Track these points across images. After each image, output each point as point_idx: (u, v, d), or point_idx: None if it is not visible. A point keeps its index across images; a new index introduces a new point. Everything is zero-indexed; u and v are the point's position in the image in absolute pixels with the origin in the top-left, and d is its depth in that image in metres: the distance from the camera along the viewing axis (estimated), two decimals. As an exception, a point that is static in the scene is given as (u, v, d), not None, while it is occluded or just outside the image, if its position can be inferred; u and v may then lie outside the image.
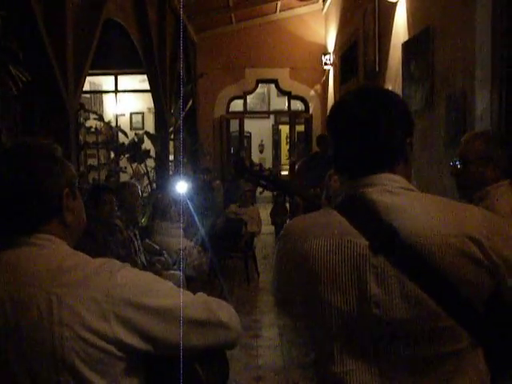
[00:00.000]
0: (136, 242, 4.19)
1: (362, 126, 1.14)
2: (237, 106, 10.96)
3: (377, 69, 5.86)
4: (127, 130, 7.58)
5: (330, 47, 9.24)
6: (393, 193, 1.12)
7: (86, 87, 7.49)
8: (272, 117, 14.44)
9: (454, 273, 1.05)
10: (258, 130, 14.49)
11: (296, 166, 8.88)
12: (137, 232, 4.32)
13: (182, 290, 1.15)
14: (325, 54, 9.18)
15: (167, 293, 1.12)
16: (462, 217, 1.09)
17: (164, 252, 4.91)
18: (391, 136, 1.14)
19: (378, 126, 1.13)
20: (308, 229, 1.16)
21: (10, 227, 1.13)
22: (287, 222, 7.72)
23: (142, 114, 9.99)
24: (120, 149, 6.46)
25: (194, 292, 1.21)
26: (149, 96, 7.11)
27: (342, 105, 1.23)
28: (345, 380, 1.10)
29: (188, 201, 6.07)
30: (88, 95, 8.99)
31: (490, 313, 1.10)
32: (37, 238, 1.11)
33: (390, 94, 1.25)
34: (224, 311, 1.18)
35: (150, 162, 6.70)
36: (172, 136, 7.28)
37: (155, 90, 6.51)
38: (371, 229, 1.09)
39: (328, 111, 1.27)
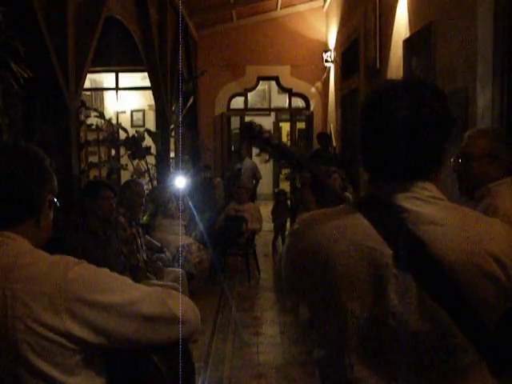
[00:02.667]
0: (139, 240, 4.20)
1: (401, 124, 1.05)
2: (237, 103, 10.95)
3: (378, 66, 5.85)
4: (128, 127, 7.57)
5: (331, 44, 9.22)
6: (423, 201, 1.08)
7: (87, 84, 7.48)
8: (273, 114, 14.39)
9: (474, 292, 1.03)
10: (259, 127, 14.46)
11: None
12: (140, 229, 4.33)
13: (137, 285, 1.19)
14: (326, 51, 9.15)
15: (120, 288, 1.14)
16: (487, 233, 1.06)
17: (165, 249, 4.91)
18: (432, 139, 1.06)
19: (419, 126, 1.05)
20: (328, 230, 1.11)
21: None
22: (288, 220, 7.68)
23: (143, 111, 9.97)
24: (119, 143, 6.49)
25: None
26: (150, 93, 7.09)
27: (380, 97, 1.11)
28: (353, 383, 1.09)
29: (188, 198, 6.08)
30: (89, 92, 8.97)
31: (500, 330, 1.08)
32: (1, 235, 1.15)
33: (435, 89, 1.13)
34: (179, 305, 1.19)
35: (151, 159, 6.70)
36: (173, 133, 7.27)
37: (156, 88, 6.50)
38: (397, 238, 1.05)
39: (365, 102, 1.13)
